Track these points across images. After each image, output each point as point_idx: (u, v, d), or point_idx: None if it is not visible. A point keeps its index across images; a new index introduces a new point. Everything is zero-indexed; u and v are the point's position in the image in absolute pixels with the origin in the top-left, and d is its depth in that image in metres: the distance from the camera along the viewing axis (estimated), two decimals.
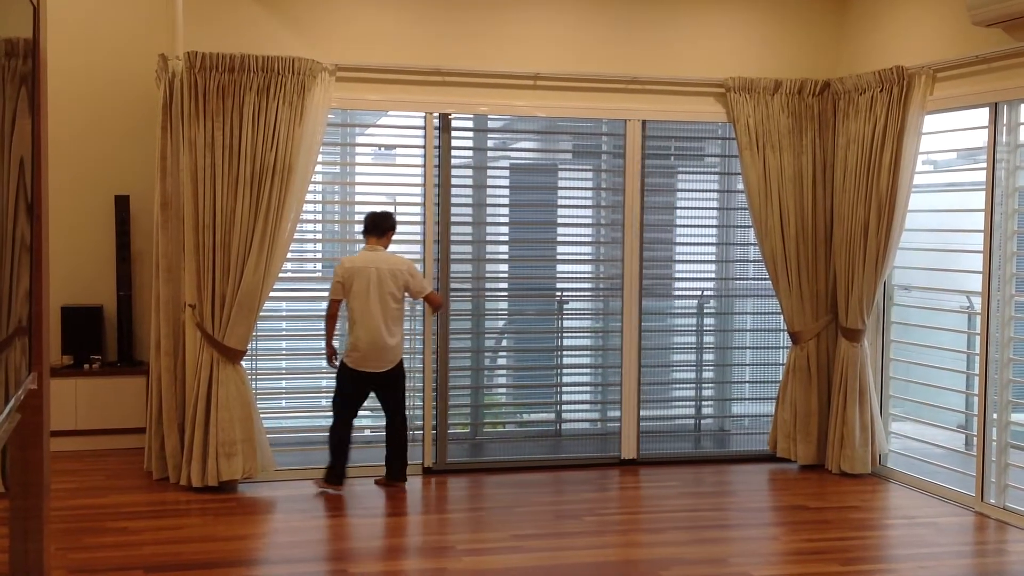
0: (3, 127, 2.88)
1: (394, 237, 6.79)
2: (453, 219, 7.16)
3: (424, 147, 7.04)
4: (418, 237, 7.42)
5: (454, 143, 7.15)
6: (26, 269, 3.23)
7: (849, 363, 7.14)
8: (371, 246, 6.60)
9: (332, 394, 6.77)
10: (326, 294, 7.26)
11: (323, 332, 6.80)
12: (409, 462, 6.88)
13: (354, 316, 6.53)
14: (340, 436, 6.64)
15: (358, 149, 7.51)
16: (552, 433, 7.73)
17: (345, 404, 6.65)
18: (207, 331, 6.54)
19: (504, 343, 8.00)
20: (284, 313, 7.33)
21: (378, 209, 6.84)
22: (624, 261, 7.38)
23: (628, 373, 7.42)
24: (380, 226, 6.63)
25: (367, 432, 7.63)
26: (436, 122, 7.07)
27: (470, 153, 7.36)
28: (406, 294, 6.63)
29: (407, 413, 6.80)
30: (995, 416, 6.36)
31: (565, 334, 7.72)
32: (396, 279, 6.53)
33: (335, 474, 6.64)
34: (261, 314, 6.70)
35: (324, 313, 6.69)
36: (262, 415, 6.81)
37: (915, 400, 7.26)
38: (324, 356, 6.72)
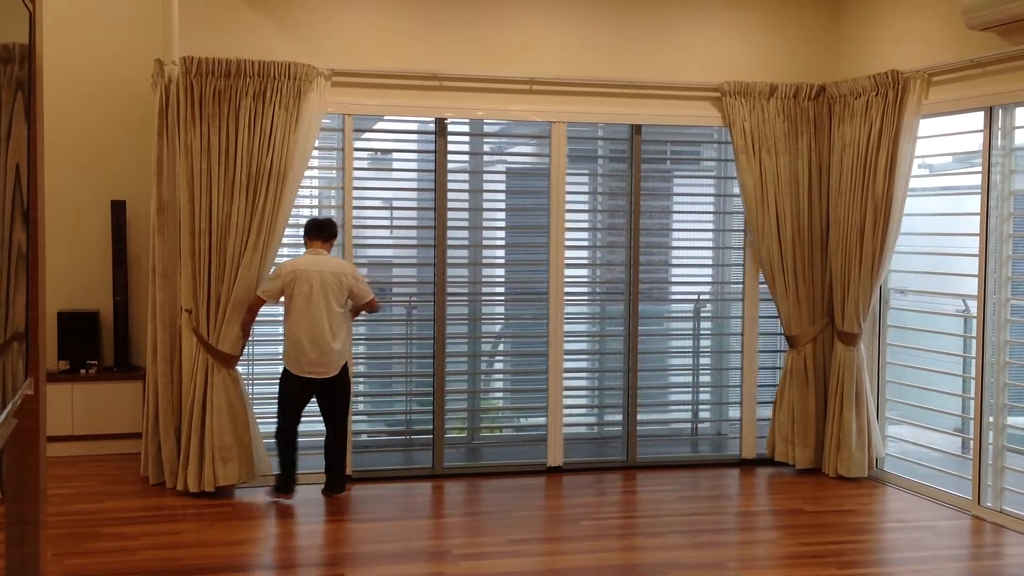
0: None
1: (393, 240, 6.75)
2: (449, 223, 7.16)
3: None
4: (413, 241, 7.44)
5: (450, 147, 7.15)
6: (23, 275, 3.22)
7: (846, 367, 7.15)
8: (315, 250, 6.51)
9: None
10: None
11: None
12: (412, 465, 6.85)
13: (296, 320, 6.41)
14: (285, 443, 6.55)
15: (355, 154, 7.50)
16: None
17: (287, 410, 6.55)
18: (202, 336, 6.54)
19: (500, 347, 7.99)
20: (280, 317, 7.30)
21: (321, 215, 6.79)
22: (550, 262, 7.29)
23: (554, 376, 7.36)
24: (326, 230, 6.56)
25: (364, 436, 7.64)
26: (432, 126, 7.10)
27: (466, 157, 7.36)
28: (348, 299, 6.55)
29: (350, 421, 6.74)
30: (991, 419, 6.37)
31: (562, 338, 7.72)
32: (341, 284, 6.44)
33: (284, 482, 6.56)
34: (257, 319, 6.69)
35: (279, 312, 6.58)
36: (259, 420, 6.80)
37: (911, 404, 7.26)
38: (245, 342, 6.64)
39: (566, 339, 7.73)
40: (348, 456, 6.85)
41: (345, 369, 6.57)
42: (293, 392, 6.53)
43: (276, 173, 6.55)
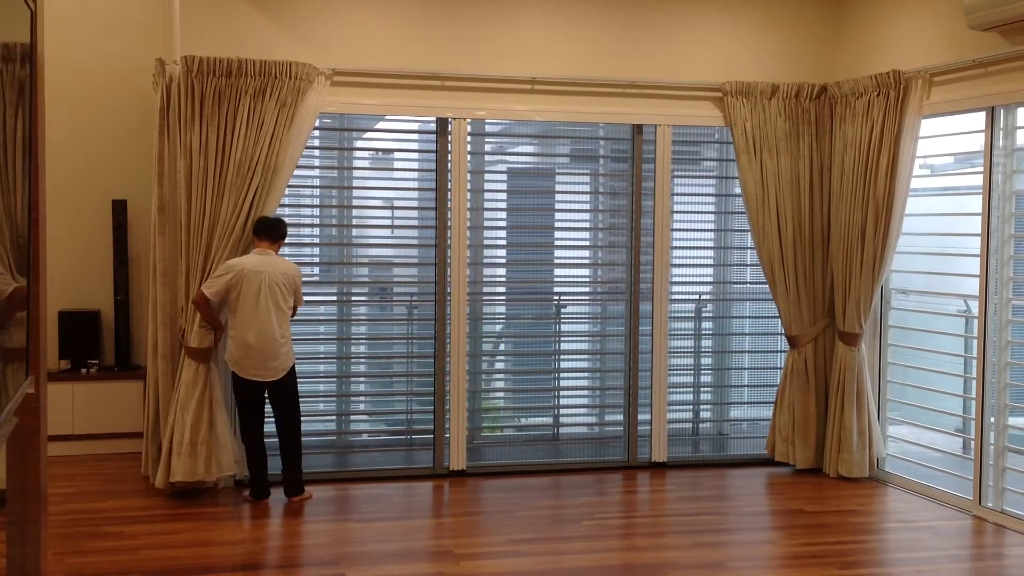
0: (4, 133, 2.88)
1: (394, 240, 6.69)
2: (450, 223, 7.15)
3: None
4: (415, 241, 7.44)
5: (451, 147, 7.14)
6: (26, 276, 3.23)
7: (847, 367, 7.14)
8: (262, 250, 6.37)
9: (306, 399, 6.68)
10: (323, 298, 7.25)
11: (320, 336, 6.74)
12: (412, 465, 6.83)
13: (243, 322, 6.25)
14: (252, 448, 6.44)
15: (356, 153, 7.50)
16: (550, 437, 7.73)
17: (245, 414, 6.44)
18: (183, 331, 6.51)
19: (502, 347, 8.00)
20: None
21: (272, 215, 6.56)
22: (452, 261, 7.20)
23: (456, 377, 7.23)
24: (275, 231, 6.42)
25: (365, 436, 7.64)
26: (434, 126, 7.11)
27: (468, 157, 7.35)
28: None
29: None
30: (992, 420, 6.36)
31: (563, 338, 7.73)
32: (288, 284, 6.33)
33: (257, 487, 6.46)
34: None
35: (202, 305, 6.34)
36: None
37: (913, 404, 7.26)
38: (213, 334, 6.46)
39: (566, 339, 7.75)
40: (353, 455, 6.85)
41: (292, 370, 6.45)
42: (246, 395, 6.40)
43: (265, 170, 6.52)
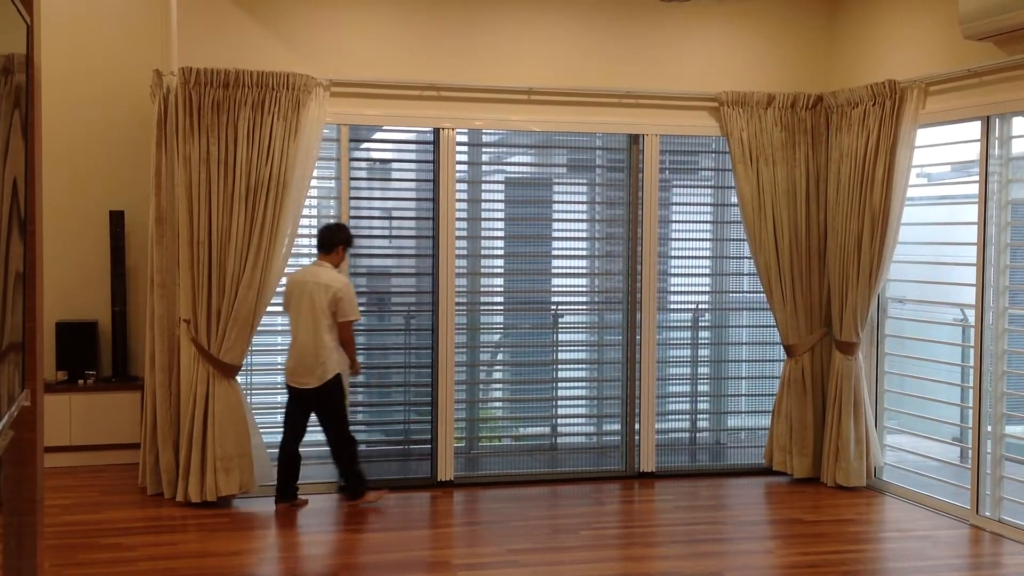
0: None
1: (392, 250, 6.69)
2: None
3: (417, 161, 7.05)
4: (413, 251, 7.44)
5: (440, 157, 7.14)
6: (20, 288, 3.23)
7: (844, 376, 7.15)
8: (318, 261, 6.60)
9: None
10: None
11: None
12: (410, 475, 6.84)
13: (292, 331, 6.58)
14: (284, 452, 6.60)
15: (353, 163, 7.50)
16: (548, 447, 7.72)
17: (286, 421, 6.64)
18: (202, 346, 6.54)
19: (499, 357, 8.00)
20: (280, 327, 7.31)
21: (332, 222, 6.84)
22: (438, 271, 7.32)
23: (444, 387, 7.26)
24: (321, 239, 6.62)
25: (362, 446, 7.62)
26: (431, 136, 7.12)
27: (465, 167, 7.36)
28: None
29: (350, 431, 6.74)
30: (989, 428, 6.36)
31: (560, 347, 7.73)
32: (326, 296, 6.43)
33: (281, 490, 6.59)
34: (257, 330, 6.68)
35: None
36: (259, 429, 6.79)
37: (910, 413, 7.26)
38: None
39: (564, 348, 7.75)
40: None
41: (330, 382, 6.51)
42: (289, 402, 6.62)
43: (275, 184, 6.55)
